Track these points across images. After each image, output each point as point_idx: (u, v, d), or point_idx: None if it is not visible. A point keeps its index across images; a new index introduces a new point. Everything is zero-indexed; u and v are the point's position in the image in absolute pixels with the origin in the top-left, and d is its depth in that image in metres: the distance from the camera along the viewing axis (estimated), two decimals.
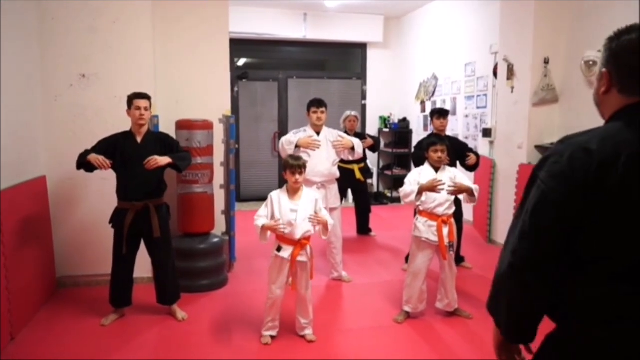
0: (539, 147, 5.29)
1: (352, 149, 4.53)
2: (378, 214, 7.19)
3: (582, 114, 4.92)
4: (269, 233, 3.26)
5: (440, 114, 4.90)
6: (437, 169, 3.74)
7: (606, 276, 1.18)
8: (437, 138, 3.91)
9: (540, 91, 5.20)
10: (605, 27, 4.58)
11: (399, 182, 8.89)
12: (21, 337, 3.43)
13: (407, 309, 3.76)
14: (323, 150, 4.49)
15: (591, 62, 4.66)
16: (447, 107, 7.49)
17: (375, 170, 9.13)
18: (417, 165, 4.39)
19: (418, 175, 3.73)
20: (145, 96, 3.61)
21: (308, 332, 3.42)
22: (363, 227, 6.40)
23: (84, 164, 3.50)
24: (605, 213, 1.14)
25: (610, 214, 1.14)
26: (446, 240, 3.62)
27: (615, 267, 1.17)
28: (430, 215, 3.64)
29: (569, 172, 1.16)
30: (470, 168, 4.90)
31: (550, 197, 1.19)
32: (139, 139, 3.64)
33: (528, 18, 5.25)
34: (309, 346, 3.36)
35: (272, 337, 3.40)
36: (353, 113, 6.23)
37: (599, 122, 4.44)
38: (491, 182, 5.99)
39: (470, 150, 4.98)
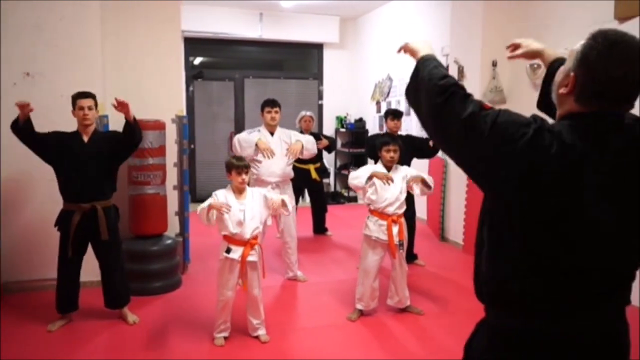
0: None
1: (302, 148, 4.59)
2: (334, 213, 7.25)
3: (528, 114, 5.10)
4: (214, 215, 3.21)
5: (394, 115, 4.99)
6: (389, 169, 3.81)
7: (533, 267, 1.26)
8: (390, 138, 3.96)
9: (488, 92, 5.37)
10: (550, 31, 4.80)
11: None
12: None
13: (359, 306, 3.81)
14: (277, 151, 4.50)
15: (536, 66, 4.84)
16: (402, 107, 7.62)
17: (332, 170, 9.20)
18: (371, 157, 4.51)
19: (368, 172, 3.78)
20: (88, 95, 3.53)
21: (261, 332, 3.43)
22: (319, 227, 6.44)
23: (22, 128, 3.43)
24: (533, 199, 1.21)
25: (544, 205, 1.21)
26: (396, 239, 3.69)
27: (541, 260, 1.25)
28: (381, 214, 3.71)
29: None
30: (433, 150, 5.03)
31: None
32: (85, 139, 3.55)
33: (477, 21, 5.41)
34: (263, 346, 3.37)
35: (225, 338, 3.38)
36: (308, 113, 6.26)
37: None
38: (443, 182, 6.14)
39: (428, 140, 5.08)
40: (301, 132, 5.98)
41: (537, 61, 4.93)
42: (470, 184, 5.54)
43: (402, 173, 3.81)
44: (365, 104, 8.95)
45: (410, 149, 4.91)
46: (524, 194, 1.22)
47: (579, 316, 1.26)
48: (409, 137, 5.18)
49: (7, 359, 3.15)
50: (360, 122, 9.06)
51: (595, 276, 1.26)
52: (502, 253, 1.32)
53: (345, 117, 9.26)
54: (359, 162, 9.16)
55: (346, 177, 9.00)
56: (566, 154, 1.19)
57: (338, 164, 9.50)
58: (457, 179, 5.86)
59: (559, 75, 1.31)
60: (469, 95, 1.34)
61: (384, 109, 8.26)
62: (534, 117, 1.26)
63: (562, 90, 1.28)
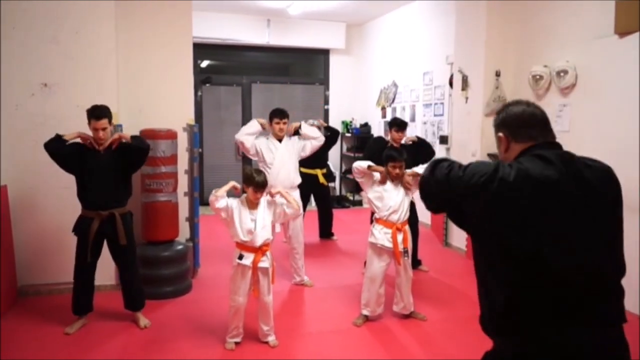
0: (491, 155, 5.56)
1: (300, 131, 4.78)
2: (340, 218, 7.36)
3: None
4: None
5: (399, 126, 5.06)
6: (392, 181, 3.90)
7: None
8: (396, 152, 3.94)
9: (492, 102, 5.47)
10: (551, 44, 4.91)
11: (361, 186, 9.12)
12: None
13: (365, 312, 3.93)
14: (285, 158, 4.62)
15: (538, 77, 4.95)
16: (407, 114, 7.75)
17: (337, 174, 9.32)
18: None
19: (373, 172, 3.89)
20: (103, 115, 3.56)
21: (271, 338, 3.55)
22: (325, 231, 6.56)
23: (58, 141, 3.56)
24: (501, 219, 1.46)
25: (505, 220, 1.45)
26: (400, 247, 3.81)
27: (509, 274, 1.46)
28: (386, 222, 3.82)
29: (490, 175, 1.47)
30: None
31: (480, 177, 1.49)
32: (100, 148, 3.67)
33: (481, 32, 5.52)
34: (272, 351, 3.48)
35: (237, 343, 3.50)
36: (316, 123, 6.35)
37: None
38: None
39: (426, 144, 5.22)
40: None
41: (540, 72, 5.01)
42: None
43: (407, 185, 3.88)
44: (371, 109, 9.07)
45: (414, 156, 5.02)
46: (496, 223, 1.46)
47: (569, 333, 1.41)
48: (413, 145, 5.26)
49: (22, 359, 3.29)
50: (366, 127, 9.17)
51: (578, 292, 1.42)
52: (492, 288, 1.51)
53: (351, 122, 9.38)
54: None
55: (351, 181, 9.12)
56: (526, 178, 1.44)
57: (343, 168, 9.61)
58: None
59: (498, 145, 1.71)
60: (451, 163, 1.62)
61: (389, 114, 8.39)
62: (497, 162, 1.53)
63: (503, 148, 1.66)
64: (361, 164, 3.90)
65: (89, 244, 3.62)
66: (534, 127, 1.59)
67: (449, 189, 1.55)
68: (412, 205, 4.42)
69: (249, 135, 4.63)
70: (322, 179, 6.25)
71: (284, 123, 4.67)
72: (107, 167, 3.63)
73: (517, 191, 1.42)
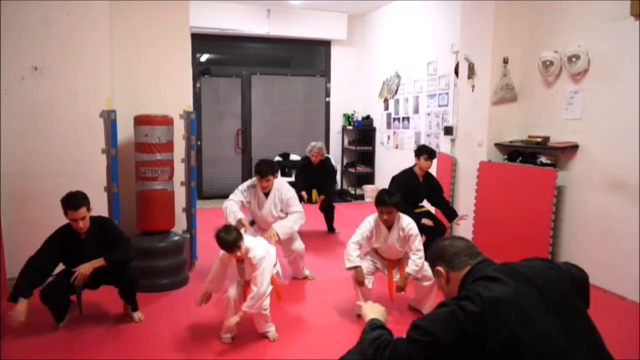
0: (498, 145, 5.39)
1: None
2: (342, 212, 7.21)
3: (539, 112, 5.04)
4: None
5: (430, 155, 4.90)
6: (388, 227, 3.66)
7: None
8: (387, 195, 3.59)
9: (499, 90, 5.30)
10: (562, 28, 4.73)
11: (362, 179, 8.98)
12: None
13: (359, 311, 3.75)
14: (272, 211, 4.40)
15: (548, 62, 4.77)
16: (410, 105, 7.59)
17: (338, 168, 9.15)
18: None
19: (368, 231, 3.68)
20: (79, 204, 3.30)
21: (271, 331, 3.39)
22: (328, 227, 6.44)
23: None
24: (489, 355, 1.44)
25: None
26: (396, 278, 3.71)
27: None
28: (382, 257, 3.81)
29: (451, 321, 1.47)
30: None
31: (433, 343, 1.48)
32: (82, 236, 3.44)
33: (488, 19, 5.34)
34: (271, 344, 3.33)
35: (234, 337, 3.34)
36: (317, 147, 6.24)
37: (555, 119, 4.59)
38: (452, 180, 6.08)
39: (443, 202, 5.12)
40: (310, 161, 6.18)
41: (550, 57, 4.85)
42: (480, 182, 5.48)
43: (402, 225, 3.63)
44: (373, 101, 8.89)
45: (428, 192, 4.97)
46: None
47: None
48: (434, 179, 5.13)
49: (17, 351, 3.13)
50: (368, 119, 9.01)
51: None
52: None
53: (353, 115, 9.22)
54: (366, 160, 9.12)
55: (353, 174, 8.96)
56: (493, 303, 1.46)
57: (345, 161, 9.45)
58: (466, 177, 5.81)
59: (438, 282, 1.83)
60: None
61: (391, 106, 8.22)
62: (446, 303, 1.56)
63: (444, 281, 1.75)
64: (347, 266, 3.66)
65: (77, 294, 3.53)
66: (466, 254, 1.72)
67: None
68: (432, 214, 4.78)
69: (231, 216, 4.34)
70: (315, 196, 6.23)
71: (267, 180, 4.31)
72: (90, 250, 3.41)
73: (494, 320, 1.42)
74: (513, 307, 1.43)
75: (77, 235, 3.41)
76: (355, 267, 3.57)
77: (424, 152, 4.93)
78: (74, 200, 3.30)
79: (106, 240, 3.47)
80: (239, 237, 3.16)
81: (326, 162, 6.42)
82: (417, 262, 3.55)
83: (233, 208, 4.32)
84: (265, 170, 4.29)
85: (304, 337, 3.50)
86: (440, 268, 1.74)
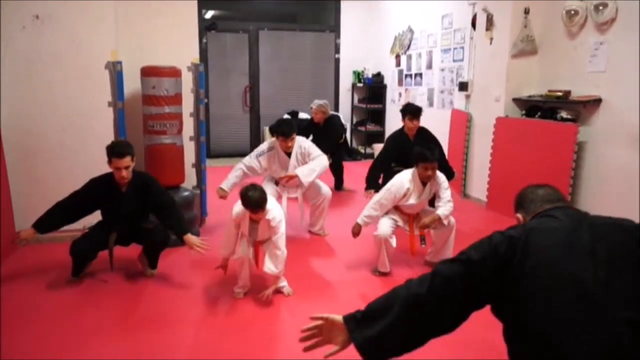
0: (516, 100, 5.22)
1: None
2: (351, 170, 7.09)
3: (561, 65, 4.84)
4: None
5: (413, 114, 4.68)
6: (424, 183, 3.63)
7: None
8: (429, 151, 3.57)
9: (519, 42, 5.09)
10: None
11: (372, 137, 8.82)
12: None
13: (381, 269, 3.69)
14: (293, 167, 4.35)
15: (572, 12, 4.55)
16: (423, 60, 7.36)
17: (348, 126, 8.98)
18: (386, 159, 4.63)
19: (402, 193, 3.56)
20: (124, 152, 3.24)
21: (283, 283, 3.33)
22: (337, 184, 6.35)
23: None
24: (512, 277, 1.40)
25: (515, 277, 1.39)
26: (416, 231, 3.65)
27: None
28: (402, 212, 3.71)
29: (485, 244, 1.48)
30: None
31: (464, 260, 1.49)
32: (123, 188, 3.37)
33: None
34: (287, 299, 3.28)
35: (245, 293, 3.29)
36: (317, 104, 6.05)
37: (577, 73, 4.38)
38: (467, 136, 5.93)
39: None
40: (313, 121, 5.98)
41: (575, 7, 4.62)
42: (495, 138, 5.33)
43: (439, 178, 3.69)
44: (384, 57, 8.65)
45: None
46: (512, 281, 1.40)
47: None
48: (429, 136, 4.88)
49: (29, 306, 3.09)
50: (378, 76, 8.79)
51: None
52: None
53: (363, 72, 8.99)
54: (376, 118, 8.95)
55: (363, 133, 8.80)
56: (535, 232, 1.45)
57: (354, 120, 9.28)
58: (481, 133, 5.65)
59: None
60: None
61: (403, 62, 7.99)
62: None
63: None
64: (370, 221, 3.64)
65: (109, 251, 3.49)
66: (544, 201, 1.65)
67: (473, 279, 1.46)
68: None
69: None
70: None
71: (291, 140, 4.26)
72: (130, 205, 3.39)
73: (526, 247, 1.41)
74: (550, 240, 1.41)
75: (117, 187, 3.34)
76: (360, 225, 3.64)
77: (407, 112, 4.73)
78: (119, 148, 3.25)
79: (147, 197, 3.42)
80: (265, 198, 3.07)
81: (331, 120, 6.20)
82: (449, 208, 3.61)
83: (231, 175, 4.30)
84: (289, 130, 4.25)
85: (318, 292, 3.45)
86: (518, 215, 1.72)
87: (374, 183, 4.73)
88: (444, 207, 3.60)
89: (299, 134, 6.16)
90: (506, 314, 1.44)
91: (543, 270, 1.35)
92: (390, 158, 4.81)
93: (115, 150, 3.23)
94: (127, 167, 3.25)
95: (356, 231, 3.64)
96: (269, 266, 3.15)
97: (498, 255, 1.42)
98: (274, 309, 3.17)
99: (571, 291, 1.31)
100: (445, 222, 3.60)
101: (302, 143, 4.41)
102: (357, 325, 1.52)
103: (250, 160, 4.36)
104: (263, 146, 4.46)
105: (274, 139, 4.44)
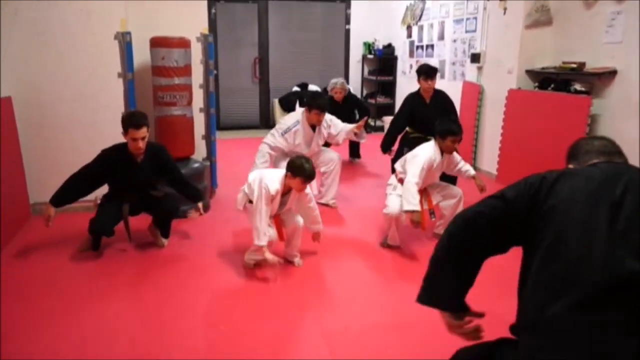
0: (529, 72, 5.14)
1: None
2: (362, 143, 7.07)
3: (576, 37, 4.74)
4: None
5: (427, 74, 4.60)
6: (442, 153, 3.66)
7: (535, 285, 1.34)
8: (455, 125, 3.65)
9: (534, 12, 4.98)
10: None
11: (383, 110, 8.76)
12: None
13: (391, 243, 3.71)
14: (317, 142, 4.46)
15: None
16: (435, 31, 7.24)
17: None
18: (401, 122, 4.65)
19: (427, 167, 3.54)
20: (141, 123, 3.24)
21: (296, 258, 3.40)
22: (354, 152, 6.39)
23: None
24: (535, 213, 1.38)
25: (538, 214, 1.37)
26: (426, 205, 3.66)
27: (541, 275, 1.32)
28: None
29: (521, 183, 1.46)
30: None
31: (499, 195, 1.48)
32: (138, 159, 3.38)
33: None
34: (297, 269, 3.32)
35: (255, 263, 3.33)
36: (340, 83, 5.99)
37: (593, 44, 4.30)
38: (478, 109, 5.87)
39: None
40: (332, 100, 5.83)
41: None
42: (507, 111, 5.28)
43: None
44: (395, 28, 8.51)
45: (438, 114, 4.69)
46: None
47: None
48: (445, 99, 4.82)
49: (42, 275, 3.16)
50: (389, 48, 8.66)
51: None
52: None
53: (373, 43, 8.86)
54: (387, 90, 8.86)
55: (373, 105, 8.73)
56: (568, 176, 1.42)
57: (364, 92, 9.20)
58: (493, 105, 5.59)
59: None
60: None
61: (415, 33, 7.86)
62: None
63: None
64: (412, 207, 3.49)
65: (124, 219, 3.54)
66: (598, 153, 1.58)
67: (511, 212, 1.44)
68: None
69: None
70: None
71: (324, 115, 4.34)
72: (144, 175, 3.44)
73: (553, 186, 1.39)
74: (577, 186, 1.37)
75: (131, 158, 3.36)
76: (415, 211, 3.44)
77: (422, 72, 4.66)
78: (136, 119, 3.25)
79: (160, 167, 3.47)
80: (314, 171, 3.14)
81: (351, 98, 6.24)
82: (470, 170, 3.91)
83: (259, 161, 4.31)
84: (325, 103, 4.31)
85: (327, 263, 3.48)
86: (571, 165, 1.65)
87: (389, 146, 4.82)
88: (469, 168, 3.89)
89: None
90: (525, 254, 1.42)
91: (559, 213, 1.34)
92: (405, 120, 4.77)
93: (132, 121, 3.24)
94: (143, 138, 3.27)
95: (416, 219, 3.44)
96: (316, 226, 3.40)
97: (529, 195, 1.41)
98: (285, 279, 3.21)
99: (582, 236, 1.28)
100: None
101: (327, 116, 4.46)
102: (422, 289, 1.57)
103: (274, 140, 4.32)
104: (287, 122, 4.41)
105: (295, 113, 4.49)
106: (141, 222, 3.71)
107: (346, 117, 5.80)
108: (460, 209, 3.70)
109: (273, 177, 3.10)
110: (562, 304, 1.24)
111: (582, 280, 1.24)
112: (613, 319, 1.20)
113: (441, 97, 4.75)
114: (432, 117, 4.72)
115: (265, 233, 3.03)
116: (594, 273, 1.23)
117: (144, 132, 3.26)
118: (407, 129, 4.81)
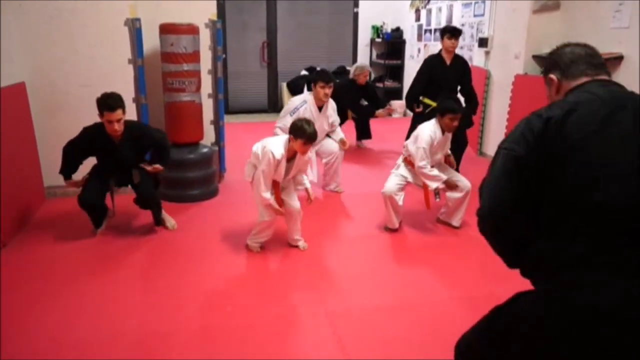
0: (536, 57, 5.14)
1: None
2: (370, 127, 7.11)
3: (583, 22, 4.73)
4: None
5: (452, 33, 4.69)
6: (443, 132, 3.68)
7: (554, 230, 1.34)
8: (456, 103, 3.67)
9: None
10: None
11: (390, 94, 8.76)
12: (13, 244, 3.43)
13: (389, 226, 3.79)
14: (324, 126, 4.48)
15: None
16: (443, 15, 7.21)
17: None
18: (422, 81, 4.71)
19: (430, 146, 3.60)
20: (116, 106, 3.25)
21: (300, 242, 3.47)
22: (364, 133, 6.45)
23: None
24: (550, 159, 1.34)
25: (553, 160, 1.33)
26: (431, 187, 3.66)
27: (562, 221, 1.32)
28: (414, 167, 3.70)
29: (526, 133, 1.39)
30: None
31: (510, 155, 1.40)
32: (116, 140, 3.41)
33: None
34: (303, 253, 3.41)
35: (261, 247, 3.43)
36: (367, 67, 6.12)
37: (600, 29, 4.33)
38: (485, 94, 5.88)
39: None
40: (355, 82, 5.94)
41: None
42: (513, 96, 5.29)
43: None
44: (404, 12, 8.48)
45: (458, 77, 4.78)
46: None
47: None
48: (465, 64, 4.92)
49: (57, 257, 3.28)
50: (397, 31, 8.64)
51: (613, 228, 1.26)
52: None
53: (382, 27, 8.84)
54: (395, 74, 8.86)
55: (380, 89, 8.74)
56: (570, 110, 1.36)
57: (372, 76, 9.19)
58: (500, 90, 5.61)
59: (547, 89, 1.59)
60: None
61: (423, 17, 7.84)
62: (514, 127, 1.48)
63: (554, 91, 1.55)
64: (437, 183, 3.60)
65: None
66: (586, 63, 1.50)
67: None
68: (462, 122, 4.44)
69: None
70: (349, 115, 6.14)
71: (330, 88, 4.34)
72: (124, 155, 3.46)
73: (568, 125, 1.34)
74: (587, 122, 1.32)
75: (110, 139, 3.41)
76: (444, 180, 3.59)
77: (447, 30, 4.75)
78: (111, 101, 3.26)
79: (140, 146, 3.52)
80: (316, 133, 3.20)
81: (371, 85, 6.41)
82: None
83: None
84: (330, 77, 4.38)
85: (333, 247, 3.57)
86: (552, 75, 1.55)
87: (412, 103, 4.95)
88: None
89: (345, 93, 6.02)
90: (542, 204, 1.37)
91: (575, 154, 1.30)
92: (425, 80, 4.84)
93: (107, 104, 3.26)
94: (118, 120, 3.29)
95: (437, 191, 3.65)
96: (307, 180, 3.43)
97: (539, 142, 1.36)
98: (290, 262, 3.30)
99: (601, 175, 1.27)
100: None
101: (332, 103, 4.54)
102: None
103: (285, 121, 4.30)
104: (295, 102, 4.45)
105: (303, 94, 4.56)
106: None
107: (366, 99, 6.14)
108: (465, 203, 3.74)
109: (277, 143, 3.16)
110: (606, 241, 1.25)
111: (620, 217, 1.24)
112: None
113: (461, 62, 4.87)
114: (450, 78, 4.78)
115: (268, 188, 3.15)
116: (633, 209, 1.23)
117: (119, 114, 3.27)
118: (420, 97, 4.90)
